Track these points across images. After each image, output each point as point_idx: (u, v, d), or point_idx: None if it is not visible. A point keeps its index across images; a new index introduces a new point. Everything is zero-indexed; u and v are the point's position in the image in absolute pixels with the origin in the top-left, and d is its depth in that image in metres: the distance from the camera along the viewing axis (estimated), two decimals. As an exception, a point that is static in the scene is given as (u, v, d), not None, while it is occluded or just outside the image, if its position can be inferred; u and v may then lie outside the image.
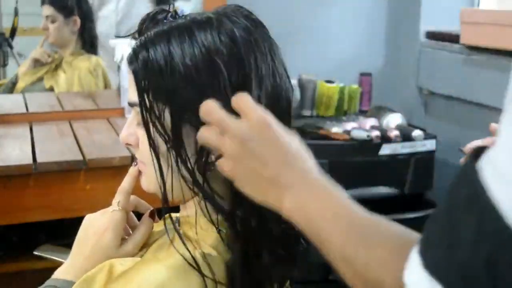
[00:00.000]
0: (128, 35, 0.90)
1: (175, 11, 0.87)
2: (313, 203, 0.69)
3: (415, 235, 0.62)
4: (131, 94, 0.86)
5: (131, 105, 0.87)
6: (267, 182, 0.71)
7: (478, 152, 0.53)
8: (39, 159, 1.88)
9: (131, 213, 0.94)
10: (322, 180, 0.71)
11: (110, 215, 0.89)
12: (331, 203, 0.70)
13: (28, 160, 1.88)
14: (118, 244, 0.88)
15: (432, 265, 0.52)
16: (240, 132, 0.72)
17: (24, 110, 2.49)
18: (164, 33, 0.83)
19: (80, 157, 1.92)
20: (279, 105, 0.84)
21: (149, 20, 0.86)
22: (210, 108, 0.74)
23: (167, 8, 0.87)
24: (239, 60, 0.81)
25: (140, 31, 0.87)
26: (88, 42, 2.89)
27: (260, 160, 0.71)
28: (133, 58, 0.84)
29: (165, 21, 0.85)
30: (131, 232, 0.93)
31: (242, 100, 0.74)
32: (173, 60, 0.81)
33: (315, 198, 0.70)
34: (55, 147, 2.04)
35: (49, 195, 1.87)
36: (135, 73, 0.84)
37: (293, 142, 0.73)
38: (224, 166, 0.74)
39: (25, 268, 1.97)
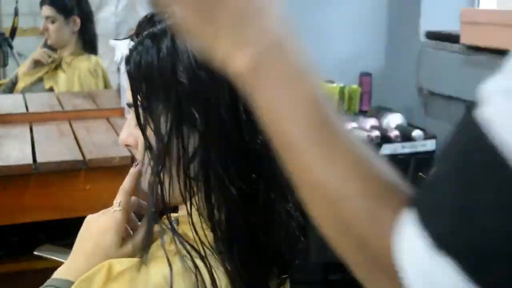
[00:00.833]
0: (127, 37, 0.90)
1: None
2: (272, 70, 0.52)
3: (402, 186, 0.52)
4: (128, 95, 0.87)
5: (129, 105, 0.87)
6: (226, 27, 0.53)
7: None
8: (39, 159, 1.88)
9: (132, 214, 0.94)
10: (290, 42, 0.54)
11: (111, 215, 0.89)
12: (301, 84, 0.53)
13: (28, 160, 1.88)
14: (119, 245, 0.88)
15: (439, 236, 0.45)
16: None
17: (24, 110, 2.49)
18: (157, 35, 0.84)
19: (80, 157, 1.92)
20: None
21: (147, 22, 0.87)
22: None
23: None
24: None
25: (138, 33, 0.87)
26: (88, 42, 2.89)
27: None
28: (127, 60, 0.85)
29: (158, 22, 0.86)
30: (131, 233, 0.93)
31: None
32: (164, 62, 0.82)
33: (277, 65, 0.53)
34: (55, 147, 2.04)
35: (49, 195, 1.87)
36: (129, 74, 0.85)
37: None
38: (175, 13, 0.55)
39: (25, 268, 1.97)
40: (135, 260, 0.85)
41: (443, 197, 0.46)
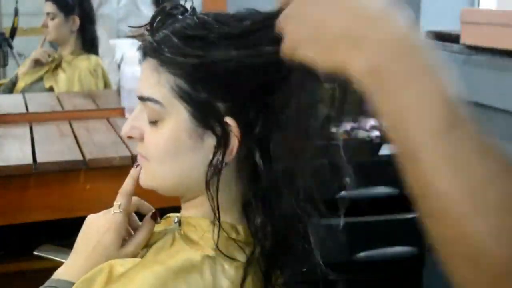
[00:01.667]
0: (140, 26, 0.87)
1: (193, 8, 0.85)
2: (393, 70, 0.50)
3: None
4: (143, 88, 0.83)
5: (142, 99, 0.84)
6: (335, 37, 0.54)
7: None
8: (39, 159, 1.88)
9: (133, 214, 0.94)
10: (411, 38, 0.53)
11: (112, 216, 0.89)
12: (428, 81, 0.50)
13: (28, 160, 1.88)
14: (119, 245, 0.88)
15: None
16: None
17: (24, 110, 2.49)
18: (199, 27, 0.80)
19: (80, 157, 1.92)
20: None
21: (165, 14, 0.84)
22: None
23: (183, 4, 0.85)
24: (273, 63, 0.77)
25: (153, 24, 0.84)
26: (89, 42, 2.89)
27: (326, 12, 0.55)
28: (164, 46, 0.80)
29: (180, 16, 0.83)
30: (132, 233, 0.92)
31: None
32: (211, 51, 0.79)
33: (399, 59, 0.51)
34: (55, 147, 2.04)
35: (49, 195, 1.87)
36: (171, 59, 0.80)
37: None
38: (286, 24, 0.59)
39: (25, 268, 1.97)
40: (137, 261, 0.84)
41: None
